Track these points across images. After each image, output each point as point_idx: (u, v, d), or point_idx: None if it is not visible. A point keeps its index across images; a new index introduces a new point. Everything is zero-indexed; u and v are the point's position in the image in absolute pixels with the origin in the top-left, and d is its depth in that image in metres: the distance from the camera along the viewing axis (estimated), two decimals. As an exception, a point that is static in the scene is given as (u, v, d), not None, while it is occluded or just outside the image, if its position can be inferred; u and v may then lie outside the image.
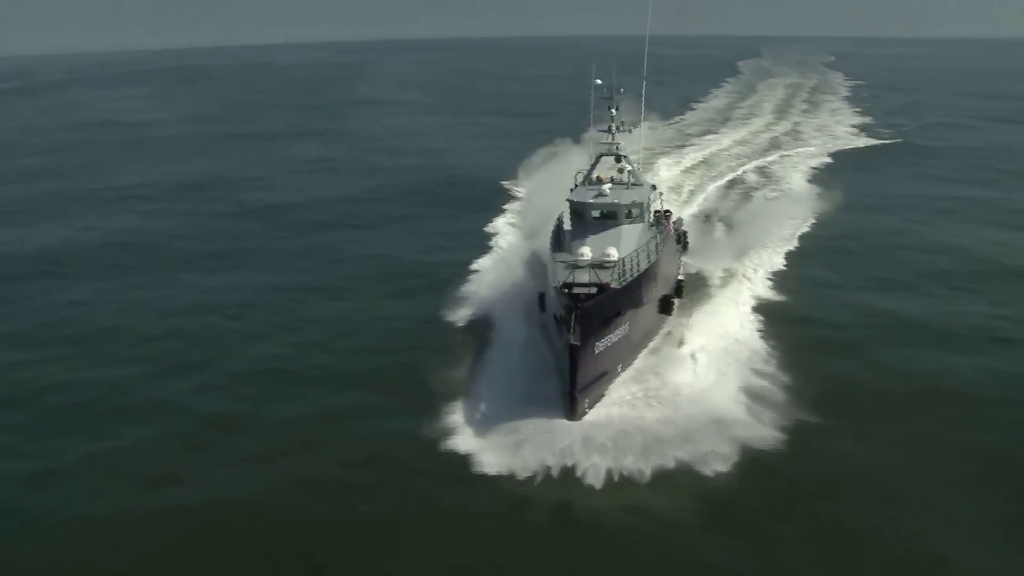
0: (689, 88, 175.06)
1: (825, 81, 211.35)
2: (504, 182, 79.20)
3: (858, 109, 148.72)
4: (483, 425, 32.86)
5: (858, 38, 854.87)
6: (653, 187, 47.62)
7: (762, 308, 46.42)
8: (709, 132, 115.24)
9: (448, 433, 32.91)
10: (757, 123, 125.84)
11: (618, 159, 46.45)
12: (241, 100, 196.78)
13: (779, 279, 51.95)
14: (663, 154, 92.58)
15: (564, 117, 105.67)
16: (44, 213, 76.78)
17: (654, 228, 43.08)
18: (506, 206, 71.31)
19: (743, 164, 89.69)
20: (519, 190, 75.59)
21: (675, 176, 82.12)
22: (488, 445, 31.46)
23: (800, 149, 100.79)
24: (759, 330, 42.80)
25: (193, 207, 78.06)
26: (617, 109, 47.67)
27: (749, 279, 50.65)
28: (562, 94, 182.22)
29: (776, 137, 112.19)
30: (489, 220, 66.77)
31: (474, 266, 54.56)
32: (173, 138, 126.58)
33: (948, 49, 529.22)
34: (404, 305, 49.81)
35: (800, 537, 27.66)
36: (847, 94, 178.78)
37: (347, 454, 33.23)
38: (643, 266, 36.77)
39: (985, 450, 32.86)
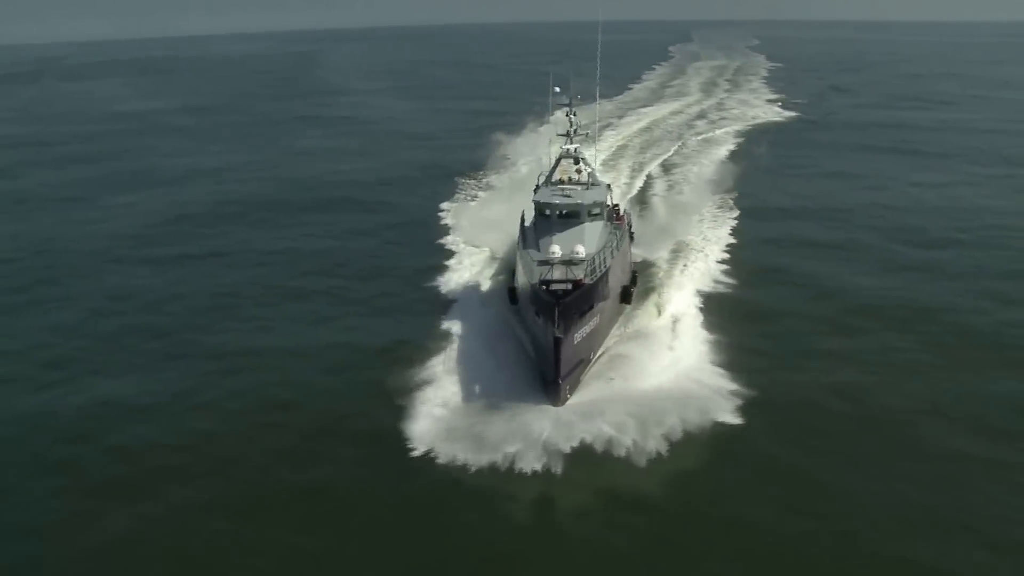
0: (626, 71, 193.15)
1: (748, 64, 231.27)
2: (479, 151, 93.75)
3: (774, 89, 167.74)
4: (467, 413, 34.07)
5: (783, 21, 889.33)
6: (608, 186, 49.92)
7: (710, 285, 50.07)
8: (643, 107, 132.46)
9: (433, 423, 33.85)
10: (685, 101, 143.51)
11: (576, 161, 49.19)
12: (223, 91, 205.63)
13: (717, 255, 56.13)
14: (606, 127, 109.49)
15: (516, 100, 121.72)
16: (125, 188, 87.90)
17: (610, 224, 45.33)
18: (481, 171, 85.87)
19: (668, 145, 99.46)
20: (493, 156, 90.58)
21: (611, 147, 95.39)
22: (478, 428, 32.49)
23: (718, 131, 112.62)
24: (707, 306, 46.15)
25: (242, 178, 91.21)
26: (575, 115, 50.60)
27: (689, 261, 53.98)
28: (510, 80, 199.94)
29: (702, 111, 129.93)
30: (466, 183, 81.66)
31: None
32: (189, 127, 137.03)
33: (868, 32, 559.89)
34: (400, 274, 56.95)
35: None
36: (766, 75, 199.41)
37: (331, 428, 35.66)
38: (608, 262, 38.90)
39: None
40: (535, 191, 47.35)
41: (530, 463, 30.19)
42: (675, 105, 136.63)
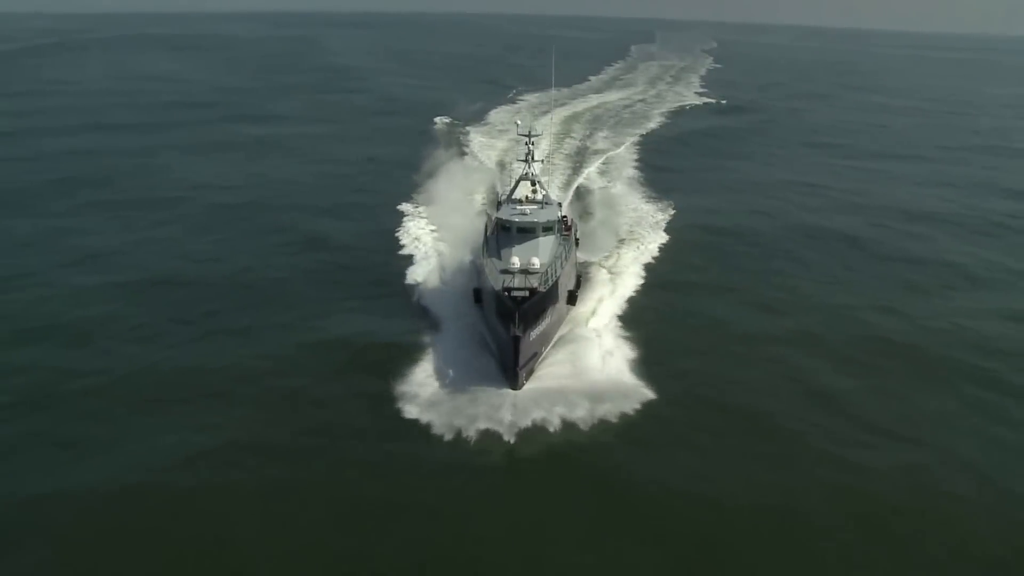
0: (587, 66, 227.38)
1: (694, 64, 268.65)
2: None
3: (705, 84, 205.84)
4: (442, 396, 40.08)
5: (749, 24, 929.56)
6: (559, 204, 57.30)
7: (637, 285, 56.95)
8: (595, 93, 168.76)
9: (410, 405, 39.52)
10: (628, 91, 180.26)
11: (533, 183, 56.13)
12: (260, 67, 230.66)
13: (648, 256, 63.66)
14: (561, 105, 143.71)
15: (491, 79, 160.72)
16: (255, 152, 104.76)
17: (560, 236, 51.34)
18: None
19: (609, 120, 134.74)
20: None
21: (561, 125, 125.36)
22: (449, 411, 38.63)
23: (651, 112, 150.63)
24: (641, 308, 52.89)
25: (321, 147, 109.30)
26: (533, 144, 58.04)
27: (624, 265, 60.82)
28: (483, 68, 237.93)
29: (643, 98, 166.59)
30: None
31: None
32: (254, 99, 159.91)
33: (821, 39, 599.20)
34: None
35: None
36: (703, 73, 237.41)
37: (321, 413, 39.73)
38: (558, 271, 44.83)
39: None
40: (497, 207, 54.74)
41: (494, 433, 37.14)
42: (622, 93, 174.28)
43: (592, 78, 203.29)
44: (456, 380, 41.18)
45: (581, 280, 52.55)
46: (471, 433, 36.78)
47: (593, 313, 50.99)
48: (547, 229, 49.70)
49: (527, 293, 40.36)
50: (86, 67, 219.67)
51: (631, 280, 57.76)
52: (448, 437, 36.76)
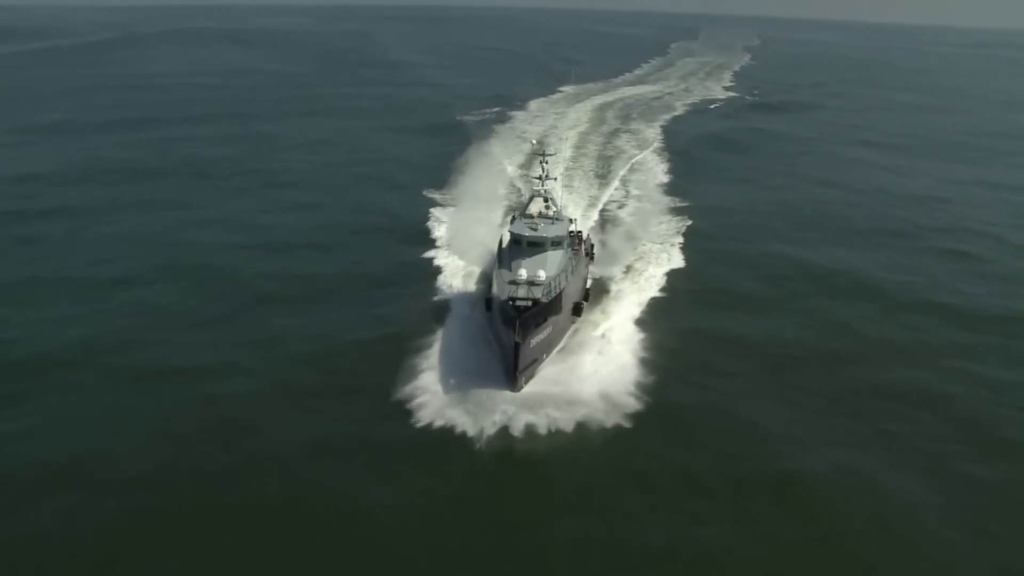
0: (624, 61, 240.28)
1: (731, 60, 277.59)
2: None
3: (736, 79, 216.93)
4: (448, 391, 43.82)
5: (797, 20, 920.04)
6: (571, 220, 58.30)
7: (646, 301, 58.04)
8: (630, 85, 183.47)
9: (419, 397, 43.55)
10: (660, 84, 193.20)
11: (546, 200, 58.10)
12: (325, 62, 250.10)
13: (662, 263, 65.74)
14: (588, 96, 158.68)
15: (532, 71, 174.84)
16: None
17: (570, 251, 53.38)
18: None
19: (639, 109, 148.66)
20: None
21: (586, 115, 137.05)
22: (453, 405, 42.46)
23: (677, 103, 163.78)
24: (643, 322, 54.19)
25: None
26: (547, 163, 60.36)
27: (635, 279, 62.37)
28: (519, 62, 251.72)
29: (673, 92, 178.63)
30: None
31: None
32: (329, 90, 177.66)
33: (864, 37, 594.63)
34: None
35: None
36: (737, 69, 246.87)
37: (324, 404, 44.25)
38: (563, 284, 47.69)
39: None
40: (511, 222, 57.18)
41: (491, 428, 40.62)
42: (656, 86, 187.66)
43: (627, 74, 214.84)
44: (461, 379, 44.80)
45: (590, 293, 56.24)
46: (468, 428, 40.63)
47: (601, 323, 53.71)
48: (556, 244, 52.12)
49: (530, 303, 43.30)
50: (164, 61, 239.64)
51: (647, 285, 60.91)
52: (447, 430, 40.70)
